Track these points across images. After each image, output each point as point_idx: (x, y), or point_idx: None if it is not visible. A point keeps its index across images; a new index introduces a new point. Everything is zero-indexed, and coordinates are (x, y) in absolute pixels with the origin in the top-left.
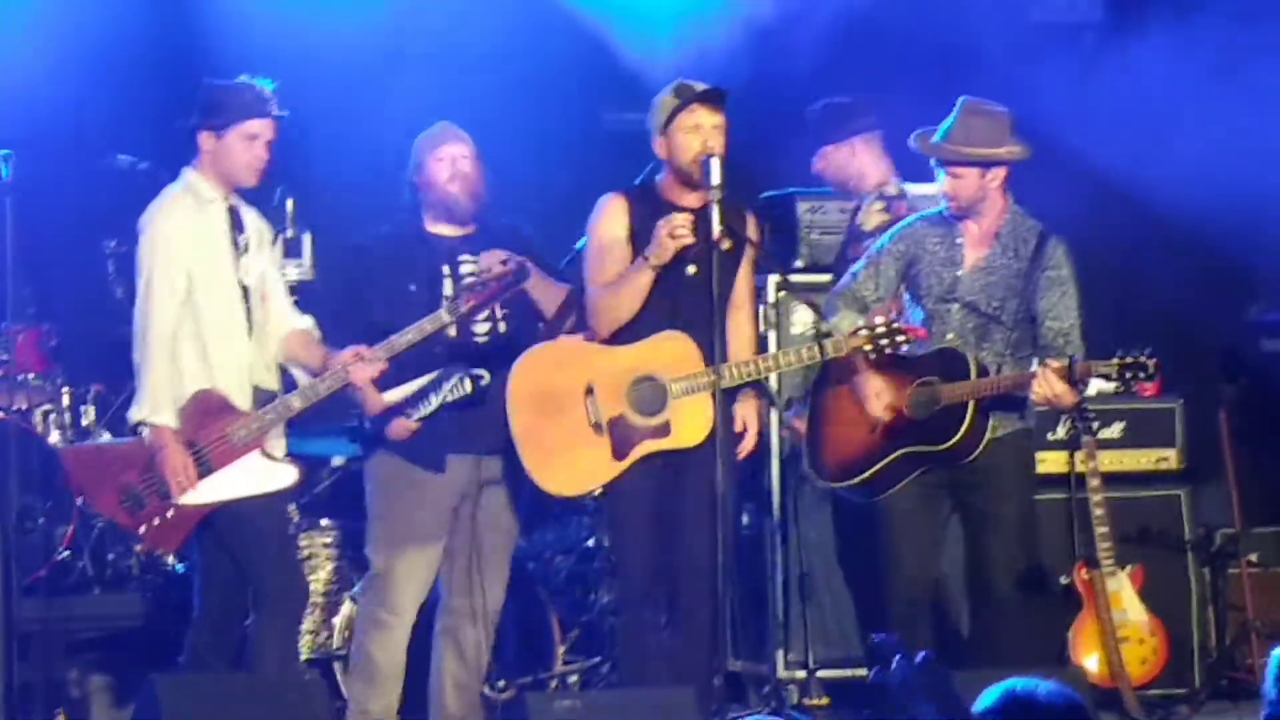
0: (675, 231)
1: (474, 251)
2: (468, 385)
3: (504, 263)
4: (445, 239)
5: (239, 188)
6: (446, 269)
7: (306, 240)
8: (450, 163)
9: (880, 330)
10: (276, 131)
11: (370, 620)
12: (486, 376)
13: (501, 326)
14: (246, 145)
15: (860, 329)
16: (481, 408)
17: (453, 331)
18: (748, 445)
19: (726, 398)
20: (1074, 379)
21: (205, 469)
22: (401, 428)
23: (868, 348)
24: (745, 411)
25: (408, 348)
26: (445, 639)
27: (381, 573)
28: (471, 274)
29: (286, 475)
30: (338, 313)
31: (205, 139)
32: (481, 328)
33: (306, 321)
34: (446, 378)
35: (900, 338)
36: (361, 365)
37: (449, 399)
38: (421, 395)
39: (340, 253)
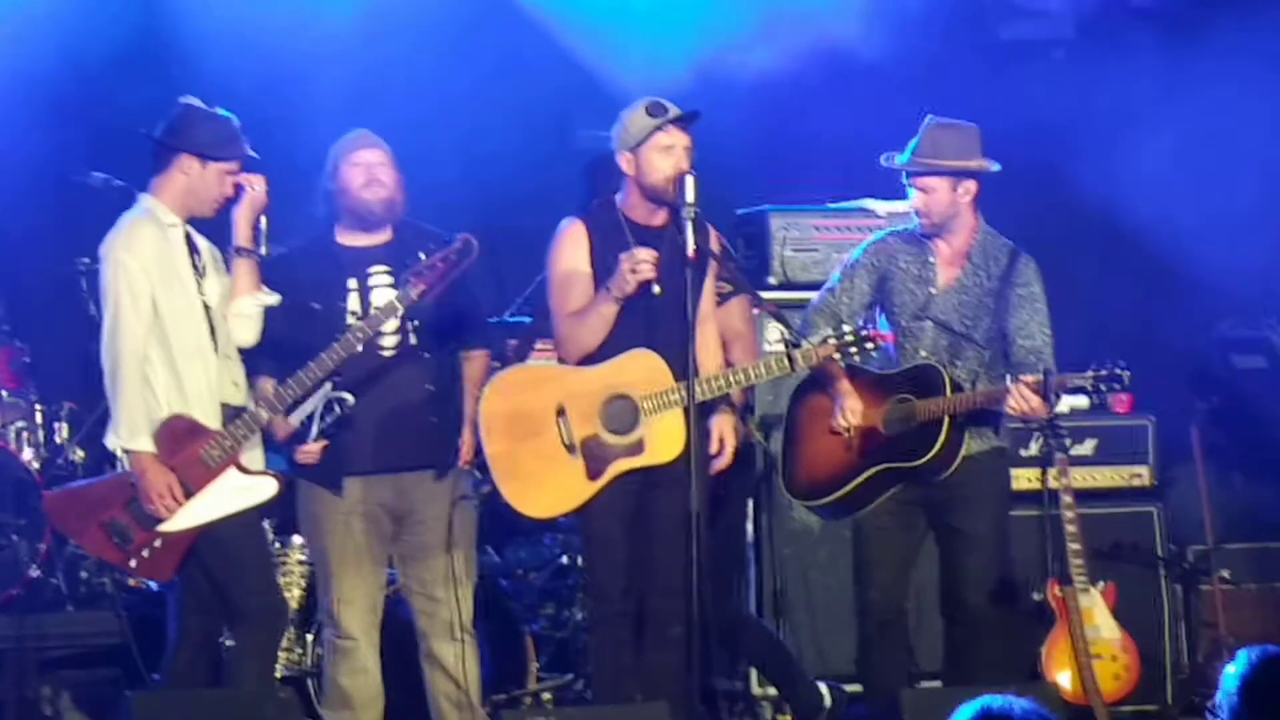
0: (637, 267)
1: (389, 261)
2: (336, 409)
3: (448, 241)
4: (355, 249)
5: (202, 217)
6: (354, 282)
7: None
8: (365, 169)
9: (848, 338)
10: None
11: (329, 648)
12: (350, 399)
13: (412, 339)
14: (223, 180)
15: (828, 338)
16: (378, 426)
17: (359, 348)
18: (723, 461)
19: (701, 413)
20: (1048, 392)
21: (186, 492)
22: (303, 453)
23: (836, 355)
24: (722, 426)
25: (365, 339)
26: (428, 662)
27: (325, 601)
28: (357, 307)
29: (266, 488)
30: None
31: (188, 164)
32: (389, 340)
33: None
34: (323, 399)
35: (869, 344)
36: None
37: (325, 421)
38: (310, 416)
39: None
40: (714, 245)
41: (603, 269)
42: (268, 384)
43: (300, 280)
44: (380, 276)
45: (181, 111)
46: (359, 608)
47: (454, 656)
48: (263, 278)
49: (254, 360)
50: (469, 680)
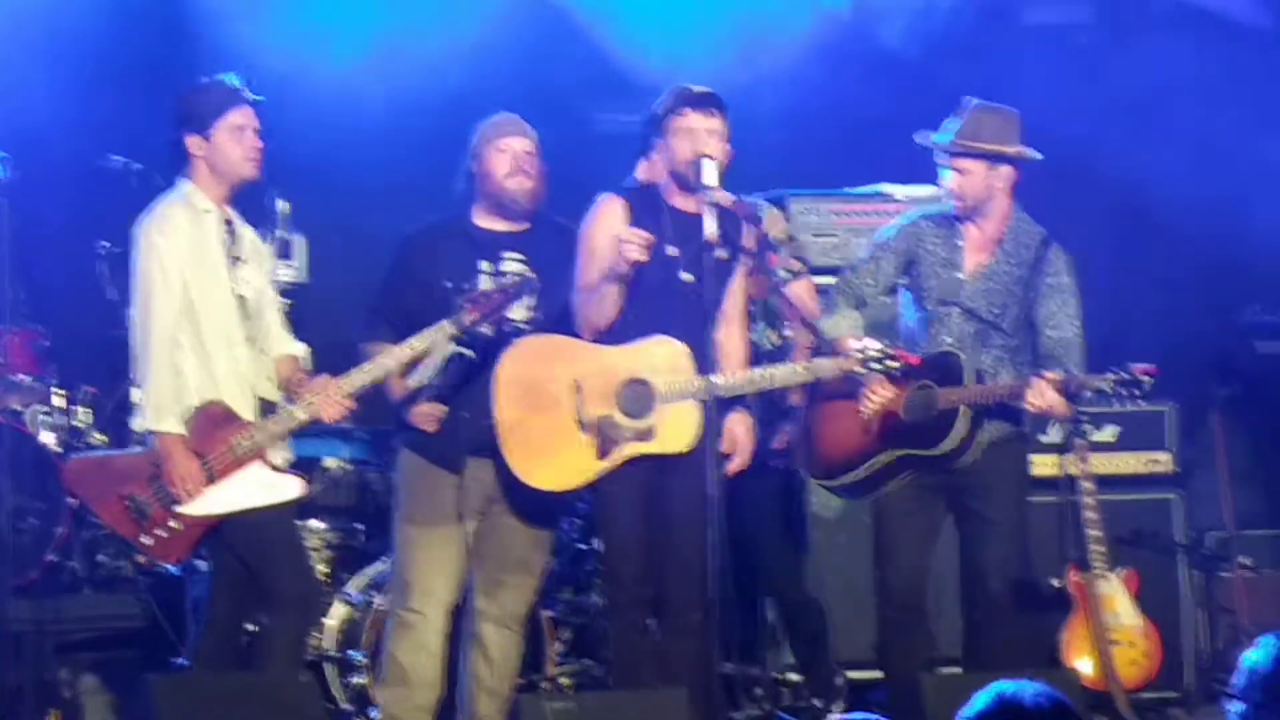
0: (623, 247)
1: (522, 249)
2: (458, 362)
3: (512, 274)
4: (491, 233)
5: (243, 181)
6: (487, 264)
7: (299, 242)
8: (512, 156)
9: (873, 354)
10: (258, 119)
11: (393, 622)
12: (472, 355)
13: (538, 315)
14: (236, 137)
15: (852, 352)
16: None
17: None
18: (738, 464)
19: (717, 408)
20: (1069, 392)
21: (209, 479)
22: (426, 414)
23: (859, 369)
24: (735, 427)
25: (415, 358)
26: (472, 643)
27: (401, 572)
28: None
29: (291, 487)
30: (375, 302)
31: (194, 144)
32: (520, 315)
33: (299, 348)
34: (443, 358)
35: (892, 363)
36: (326, 401)
37: (448, 376)
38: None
39: (380, 246)
40: (747, 241)
41: None
42: (382, 349)
43: (432, 257)
44: (512, 263)
45: (173, 103)
46: (435, 587)
47: (504, 643)
48: (396, 254)
49: (375, 330)
50: (510, 669)
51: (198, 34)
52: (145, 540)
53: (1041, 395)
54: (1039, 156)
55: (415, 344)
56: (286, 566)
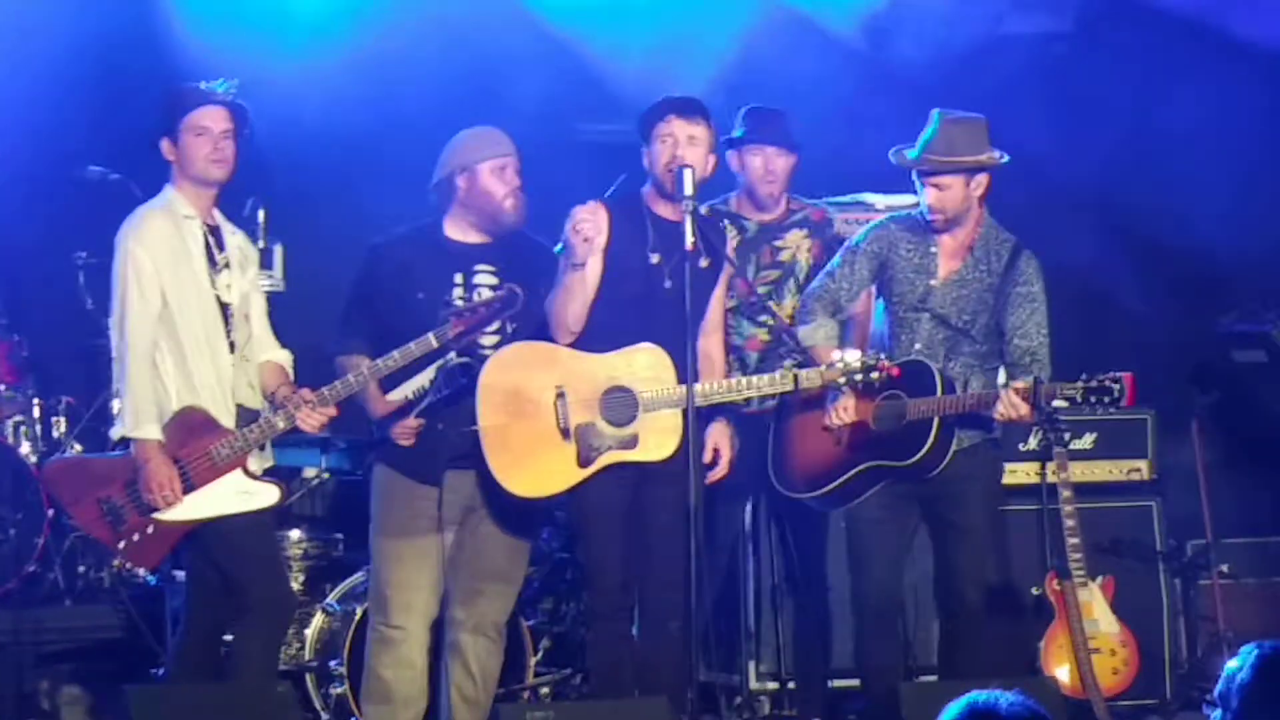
0: (576, 226)
1: (495, 260)
2: (459, 377)
3: (494, 288)
4: (464, 245)
5: (210, 184)
6: (460, 277)
7: (278, 251)
8: (509, 177)
9: (855, 365)
10: (231, 121)
11: (374, 637)
12: (473, 364)
13: (506, 330)
14: (199, 140)
15: (835, 363)
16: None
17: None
18: (720, 472)
19: (698, 417)
20: (1038, 401)
21: (188, 486)
22: (403, 428)
23: (840, 380)
24: (717, 437)
25: (395, 369)
26: (451, 653)
27: (380, 587)
28: (463, 298)
29: (268, 495)
30: (347, 314)
31: (166, 149)
32: (490, 340)
33: (284, 355)
34: (442, 370)
35: (874, 374)
36: (308, 412)
37: (444, 390)
38: (419, 393)
39: (358, 254)
40: (731, 250)
41: (619, 252)
42: (362, 361)
43: (406, 269)
44: (485, 275)
45: (153, 108)
46: (414, 602)
47: (482, 652)
48: (365, 265)
49: (349, 342)
50: (489, 678)
51: (175, 41)
52: (120, 545)
53: (1012, 406)
54: (1007, 160)
55: (397, 357)
56: (260, 572)
